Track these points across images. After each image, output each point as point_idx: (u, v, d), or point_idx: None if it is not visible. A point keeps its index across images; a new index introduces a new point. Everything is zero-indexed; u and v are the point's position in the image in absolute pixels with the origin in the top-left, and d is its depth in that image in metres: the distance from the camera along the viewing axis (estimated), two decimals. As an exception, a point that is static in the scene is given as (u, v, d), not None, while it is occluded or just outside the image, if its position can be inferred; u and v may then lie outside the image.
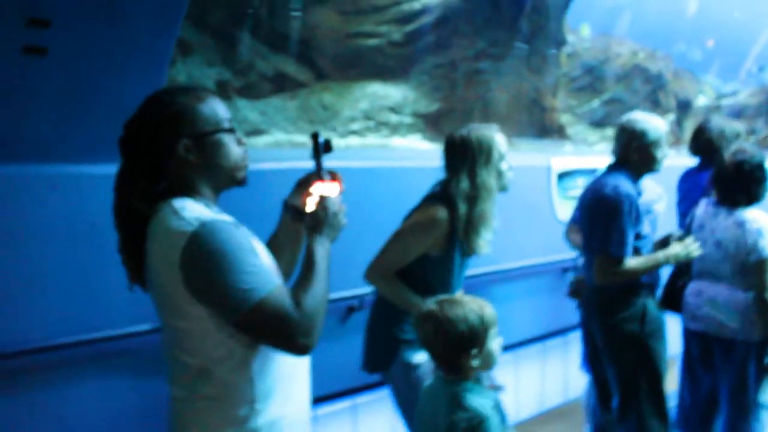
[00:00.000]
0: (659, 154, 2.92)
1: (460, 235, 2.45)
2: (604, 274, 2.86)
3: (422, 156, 4.48)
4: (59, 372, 2.44)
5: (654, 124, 2.93)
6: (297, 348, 1.43)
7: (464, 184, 2.43)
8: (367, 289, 3.05)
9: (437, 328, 1.86)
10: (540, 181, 4.45)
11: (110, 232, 2.48)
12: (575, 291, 3.39)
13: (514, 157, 4.21)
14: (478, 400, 1.87)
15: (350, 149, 4.37)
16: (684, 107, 7.65)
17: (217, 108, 1.54)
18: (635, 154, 2.91)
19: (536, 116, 5.58)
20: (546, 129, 5.68)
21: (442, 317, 1.85)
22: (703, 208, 3.14)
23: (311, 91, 4.50)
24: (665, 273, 3.27)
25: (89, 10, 2.19)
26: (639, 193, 2.94)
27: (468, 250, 2.51)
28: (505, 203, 2.72)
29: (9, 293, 2.30)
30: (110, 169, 2.47)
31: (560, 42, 5.64)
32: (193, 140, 1.48)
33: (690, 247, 2.88)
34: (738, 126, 3.90)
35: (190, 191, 1.50)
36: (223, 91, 4.08)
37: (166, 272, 1.42)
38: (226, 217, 1.48)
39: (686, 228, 3.23)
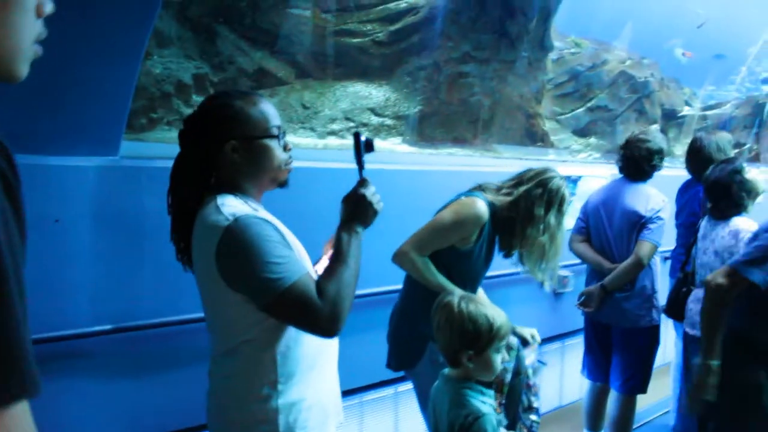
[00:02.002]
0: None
1: (516, 241, 2.59)
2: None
3: (402, 159, 4.42)
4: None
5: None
6: (322, 331, 1.56)
7: (537, 191, 2.55)
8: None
9: (448, 318, 1.96)
10: (521, 189, 4.37)
11: (74, 228, 2.43)
12: (585, 302, 3.43)
13: (496, 163, 4.18)
14: (477, 400, 1.94)
15: (329, 150, 4.29)
16: (669, 117, 7.61)
17: (268, 114, 1.69)
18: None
19: (520, 122, 5.50)
20: (529, 135, 5.60)
21: (456, 310, 1.94)
22: (705, 219, 3.24)
23: (291, 88, 4.41)
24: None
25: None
26: None
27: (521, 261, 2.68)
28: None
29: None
30: (77, 162, 2.42)
31: (547, 47, 5.57)
32: (241, 142, 1.64)
33: None
34: (728, 136, 3.91)
35: (234, 188, 1.66)
36: (200, 85, 3.99)
37: (204, 261, 1.59)
38: (262, 214, 1.62)
39: (693, 238, 3.33)
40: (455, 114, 4.92)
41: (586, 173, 4.80)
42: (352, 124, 4.51)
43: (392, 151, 4.54)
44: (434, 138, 4.77)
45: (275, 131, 1.69)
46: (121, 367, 2.65)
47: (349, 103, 4.51)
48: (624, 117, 6.64)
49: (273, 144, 1.68)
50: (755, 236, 2.58)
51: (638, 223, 3.36)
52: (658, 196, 3.42)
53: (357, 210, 1.70)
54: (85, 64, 2.28)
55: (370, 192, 1.73)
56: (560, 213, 2.61)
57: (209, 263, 1.56)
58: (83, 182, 2.45)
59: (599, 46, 6.57)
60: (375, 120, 4.60)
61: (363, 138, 1.78)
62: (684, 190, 4.09)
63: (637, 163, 3.47)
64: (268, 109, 1.70)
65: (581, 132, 6.36)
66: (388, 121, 4.68)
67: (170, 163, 1.63)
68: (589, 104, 6.38)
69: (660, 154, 3.47)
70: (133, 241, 2.65)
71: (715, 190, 3.10)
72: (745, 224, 3.00)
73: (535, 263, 2.61)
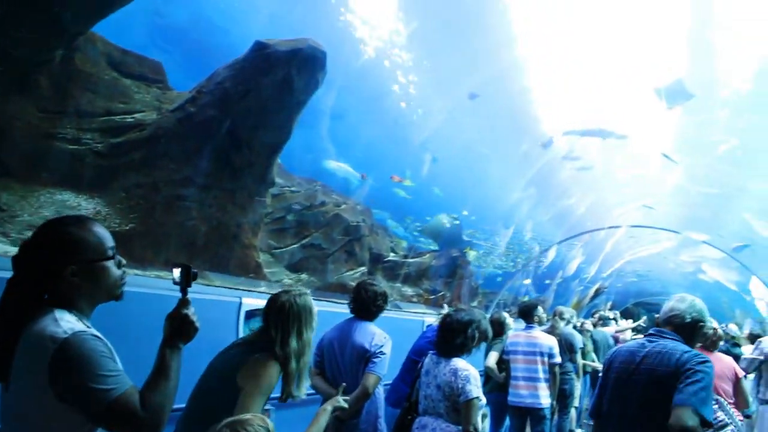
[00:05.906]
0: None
1: (291, 387, 2.69)
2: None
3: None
4: None
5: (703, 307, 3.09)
6: None
7: (294, 343, 2.70)
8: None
9: None
10: (229, 318, 4.36)
11: None
12: None
13: (206, 291, 4.12)
14: None
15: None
16: (376, 260, 8.16)
17: (103, 237, 1.80)
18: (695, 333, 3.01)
19: (235, 252, 5.54)
20: (242, 266, 5.65)
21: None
22: (429, 357, 3.65)
23: (-12, 186, 4.03)
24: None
25: None
26: None
27: (295, 397, 2.75)
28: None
29: None
30: None
31: (269, 182, 5.76)
32: (80, 266, 1.75)
33: None
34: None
35: (70, 305, 1.75)
36: None
37: (31, 371, 1.64)
38: (92, 330, 1.71)
39: (417, 373, 3.71)
40: (169, 236, 4.83)
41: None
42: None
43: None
44: (144, 258, 4.60)
45: (110, 252, 1.81)
46: None
47: (54, 211, 4.21)
48: (335, 257, 7.01)
49: (109, 264, 1.81)
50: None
51: (364, 357, 3.61)
52: (381, 333, 3.73)
53: (181, 328, 1.84)
54: None
55: (192, 311, 1.88)
56: (311, 325, 2.80)
57: (38, 372, 1.62)
58: None
59: (323, 188, 6.95)
60: (80, 233, 4.33)
61: (194, 270, 1.99)
62: (424, 334, 4.74)
63: (365, 303, 3.79)
64: (102, 231, 1.82)
65: (294, 267, 6.57)
66: (96, 235, 4.43)
67: None
68: (303, 241, 6.65)
69: (383, 296, 3.83)
70: None
71: (450, 328, 3.50)
72: (462, 364, 3.39)
73: (295, 378, 2.75)
